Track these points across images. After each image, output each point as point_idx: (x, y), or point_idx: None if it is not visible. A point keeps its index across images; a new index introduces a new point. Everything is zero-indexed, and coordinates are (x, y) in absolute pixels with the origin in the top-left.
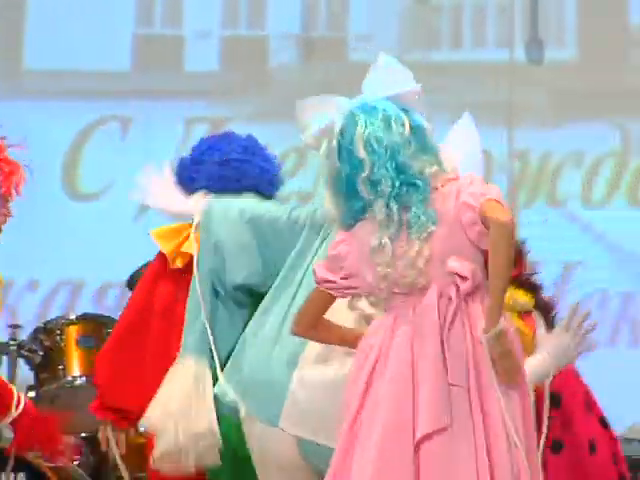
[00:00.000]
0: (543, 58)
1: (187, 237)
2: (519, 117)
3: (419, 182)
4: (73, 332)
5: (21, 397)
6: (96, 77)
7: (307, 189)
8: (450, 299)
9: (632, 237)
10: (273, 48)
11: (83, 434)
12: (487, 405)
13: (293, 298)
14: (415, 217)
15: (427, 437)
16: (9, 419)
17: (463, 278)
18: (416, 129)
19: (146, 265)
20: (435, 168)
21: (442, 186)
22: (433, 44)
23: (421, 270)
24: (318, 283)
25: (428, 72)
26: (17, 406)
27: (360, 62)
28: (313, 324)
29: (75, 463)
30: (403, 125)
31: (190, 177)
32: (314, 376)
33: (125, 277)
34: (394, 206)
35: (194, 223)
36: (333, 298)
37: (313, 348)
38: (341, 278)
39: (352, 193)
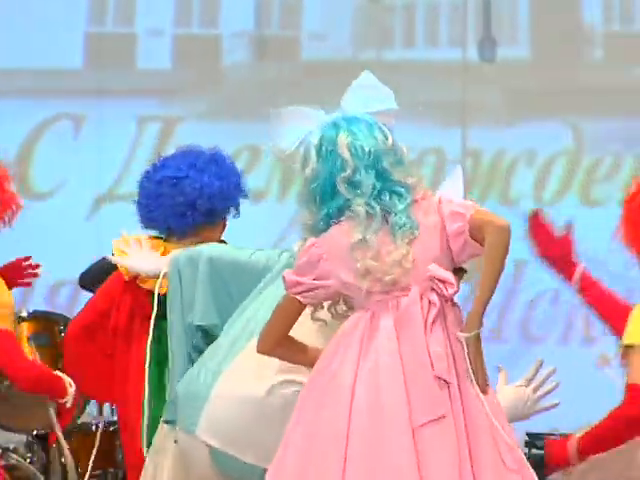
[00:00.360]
0: (496, 57)
1: None
2: (472, 116)
3: (401, 190)
4: (25, 329)
5: (69, 380)
6: (48, 75)
7: (260, 187)
8: (430, 302)
9: (584, 235)
10: (226, 47)
11: (35, 432)
12: (466, 402)
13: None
14: (400, 221)
15: (422, 426)
16: (70, 398)
17: (447, 283)
18: (396, 143)
19: (98, 263)
20: (416, 179)
21: (422, 199)
22: (386, 43)
23: (407, 270)
24: (287, 288)
25: (381, 71)
26: (71, 386)
27: (313, 61)
28: (279, 340)
29: (27, 461)
30: (386, 136)
31: (138, 198)
32: (239, 392)
33: (77, 275)
34: (376, 206)
35: (161, 275)
36: (300, 309)
37: (242, 362)
38: (313, 279)
39: (329, 195)
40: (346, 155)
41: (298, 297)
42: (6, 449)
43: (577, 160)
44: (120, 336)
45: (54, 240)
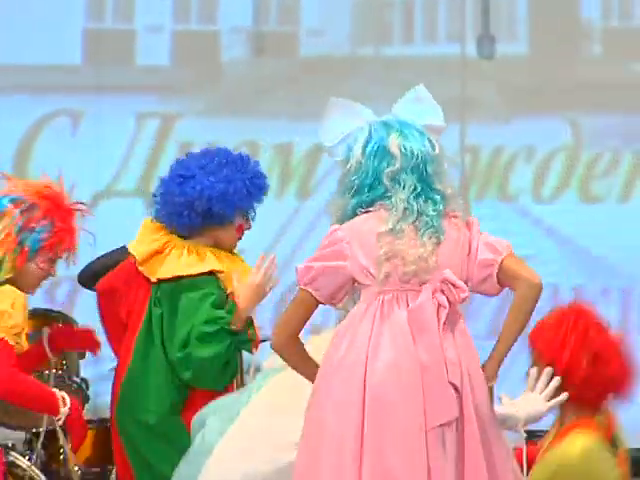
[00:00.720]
0: (495, 53)
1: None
2: (471, 112)
3: (437, 197)
4: None
5: (64, 396)
6: (47, 72)
7: None
8: (440, 304)
9: (583, 231)
10: (224, 43)
11: (34, 429)
12: (481, 412)
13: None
14: (430, 222)
15: (433, 429)
16: (62, 417)
17: (460, 289)
18: (441, 156)
19: (96, 261)
20: (452, 191)
21: (453, 215)
22: (384, 39)
23: (430, 267)
24: (299, 281)
25: (379, 67)
26: (64, 404)
27: (311, 57)
28: (293, 336)
29: (26, 459)
30: (434, 146)
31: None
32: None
33: (76, 272)
34: (414, 204)
35: None
36: (313, 304)
37: (233, 438)
38: (328, 259)
39: (368, 187)
40: (396, 153)
41: (309, 289)
42: (5, 446)
43: (576, 156)
44: (131, 314)
45: None
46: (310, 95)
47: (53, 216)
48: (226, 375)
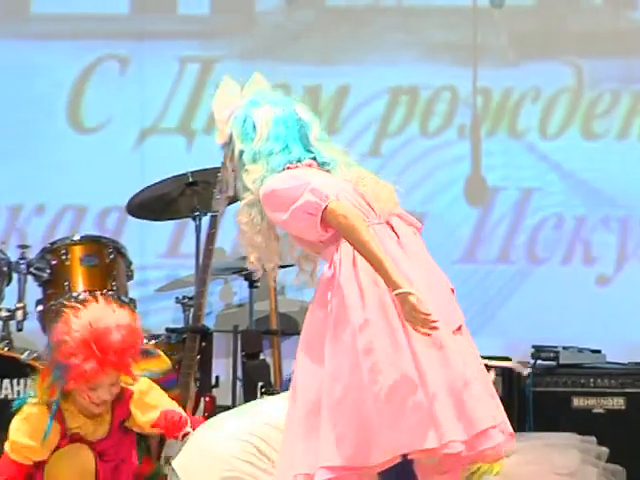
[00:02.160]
0: (505, 2)
1: None
2: (483, 57)
3: None
4: (77, 252)
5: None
6: (98, 20)
7: None
8: (413, 231)
9: (585, 165)
10: None
11: None
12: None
13: None
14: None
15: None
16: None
17: (418, 228)
18: None
19: (143, 191)
20: None
21: None
22: None
23: (397, 204)
24: (320, 201)
25: (400, 15)
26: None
27: (338, 7)
28: None
29: None
30: None
31: None
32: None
33: (124, 202)
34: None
35: None
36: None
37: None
38: (313, 179)
39: (285, 148)
40: (308, 118)
41: (334, 199)
42: None
43: (578, 97)
44: None
45: (102, 170)
46: (335, 43)
47: (78, 353)
48: None
